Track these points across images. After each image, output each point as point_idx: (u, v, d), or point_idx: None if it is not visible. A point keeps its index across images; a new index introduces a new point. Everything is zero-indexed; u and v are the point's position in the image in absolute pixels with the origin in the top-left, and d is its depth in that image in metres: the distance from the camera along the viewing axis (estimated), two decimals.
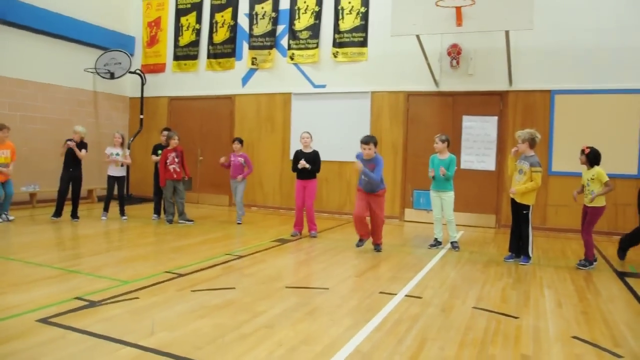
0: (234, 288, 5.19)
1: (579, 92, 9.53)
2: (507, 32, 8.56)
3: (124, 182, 9.74)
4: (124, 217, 9.59)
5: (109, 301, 4.58)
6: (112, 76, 12.18)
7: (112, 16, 13.05)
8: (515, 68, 9.68)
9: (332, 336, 3.91)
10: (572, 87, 9.57)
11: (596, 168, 6.59)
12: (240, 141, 9.60)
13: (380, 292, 5.17)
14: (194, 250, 7.08)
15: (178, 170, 9.27)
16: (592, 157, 6.61)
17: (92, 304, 4.48)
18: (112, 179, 9.55)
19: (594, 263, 6.64)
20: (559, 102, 9.69)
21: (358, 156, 7.16)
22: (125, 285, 5.15)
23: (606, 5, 9.33)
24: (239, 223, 9.44)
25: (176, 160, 9.24)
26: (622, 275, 6.26)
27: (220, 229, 8.91)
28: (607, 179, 6.50)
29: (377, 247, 7.44)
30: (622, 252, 7.29)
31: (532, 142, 6.74)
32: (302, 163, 8.18)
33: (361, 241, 7.46)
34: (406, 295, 5.09)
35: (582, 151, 6.67)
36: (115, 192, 9.59)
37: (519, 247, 6.88)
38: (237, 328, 4.01)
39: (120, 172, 9.61)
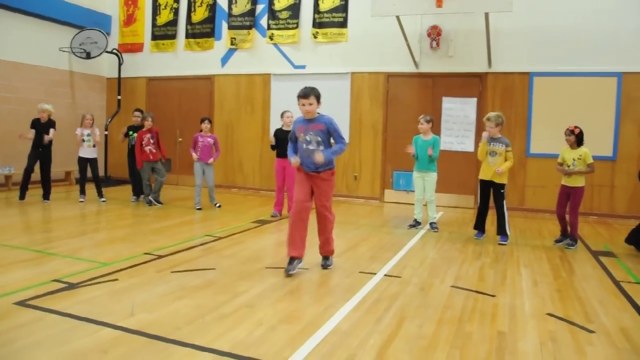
0: (214, 269, 5.19)
1: (557, 74, 9.62)
2: (486, 14, 8.59)
3: (96, 163, 9.47)
4: (103, 199, 9.46)
5: (87, 283, 4.55)
6: (88, 56, 11.94)
7: None
8: (494, 50, 9.72)
9: (311, 315, 3.94)
10: (550, 70, 9.65)
11: (583, 148, 6.71)
12: (210, 121, 9.22)
13: (360, 272, 5.22)
14: (173, 232, 7.04)
15: (154, 151, 9.15)
16: (581, 137, 6.73)
17: (71, 286, 4.45)
18: (83, 161, 9.33)
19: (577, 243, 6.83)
20: (538, 84, 9.77)
21: (297, 122, 5.30)
22: (105, 267, 5.11)
23: None
24: (219, 206, 9.22)
25: (151, 141, 9.12)
26: (596, 255, 6.40)
27: (200, 211, 8.86)
28: (592, 160, 6.64)
29: (327, 261, 5.44)
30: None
31: (501, 125, 6.90)
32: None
33: (291, 264, 5.09)
34: (385, 275, 5.14)
35: (572, 131, 6.74)
36: (90, 174, 9.41)
37: (484, 225, 7.13)
38: (217, 308, 4.02)
39: (91, 153, 9.37)
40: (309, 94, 5.04)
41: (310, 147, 5.10)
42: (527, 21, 9.64)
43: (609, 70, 9.33)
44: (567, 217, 6.84)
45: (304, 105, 5.07)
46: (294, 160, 5.23)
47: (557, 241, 6.97)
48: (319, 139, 5.09)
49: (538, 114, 9.76)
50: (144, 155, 9.09)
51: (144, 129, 9.14)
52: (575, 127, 6.74)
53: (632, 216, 8.86)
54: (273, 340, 3.43)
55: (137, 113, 9.78)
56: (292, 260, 5.10)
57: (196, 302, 4.16)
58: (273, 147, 8.46)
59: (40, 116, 8.97)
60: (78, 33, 12.02)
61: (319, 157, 5.00)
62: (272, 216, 8.45)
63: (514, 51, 9.84)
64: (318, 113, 5.17)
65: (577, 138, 6.72)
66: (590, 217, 9.27)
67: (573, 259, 6.15)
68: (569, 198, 6.78)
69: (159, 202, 9.29)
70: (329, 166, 5.18)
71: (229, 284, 4.68)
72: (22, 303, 3.99)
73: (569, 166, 6.77)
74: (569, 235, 6.82)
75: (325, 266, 5.37)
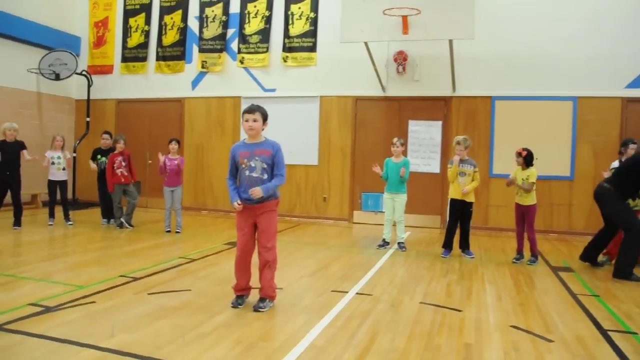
0: (190, 290, 5.29)
1: (518, 98, 10.11)
2: (450, 41, 8.99)
3: (66, 186, 9.40)
4: (69, 222, 9.38)
5: (65, 306, 4.60)
6: (57, 77, 11.92)
7: (57, 15, 12.73)
8: (458, 75, 10.14)
9: (287, 333, 4.09)
10: (511, 94, 10.13)
11: (531, 169, 7.14)
12: (177, 142, 9.06)
13: (332, 291, 5.40)
14: (147, 254, 7.10)
15: (126, 174, 9.18)
16: (529, 159, 7.15)
17: (48, 309, 4.48)
18: (53, 184, 9.24)
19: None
20: (499, 107, 10.23)
21: (238, 147, 4.73)
22: (81, 290, 5.15)
23: (541, 18, 9.92)
24: (177, 232, 8.92)
25: (123, 164, 9.16)
26: (555, 270, 6.73)
27: (171, 234, 8.88)
28: (534, 180, 7.11)
29: (261, 303, 4.69)
30: (593, 261, 7.09)
31: (469, 147, 7.41)
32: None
33: (240, 297, 4.81)
34: (357, 293, 5.33)
35: (519, 153, 7.19)
36: (58, 196, 9.32)
37: (452, 243, 7.51)
38: (195, 328, 4.13)
39: (62, 176, 9.28)
40: (254, 109, 4.59)
41: (254, 174, 4.58)
42: (489, 48, 10.11)
43: (565, 94, 9.86)
44: (525, 234, 7.25)
45: (247, 121, 4.55)
46: (236, 204, 4.59)
47: (516, 259, 7.28)
48: (265, 165, 4.60)
49: (500, 136, 10.20)
50: (116, 178, 9.11)
51: (115, 152, 9.17)
52: (524, 149, 7.19)
53: (589, 233, 9.18)
54: (252, 358, 3.57)
55: (106, 136, 9.77)
56: (240, 294, 4.83)
57: (175, 322, 4.26)
58: None
59: (7, 135, 8.71)
60: (47, 54, 12.00)
61: (257, 192, 4.47)
62: None
63: (477, 76, 10.28)
64: (264, 137, 4.75)
65: (524, 159, 7.16)
66: (550, 234, 9.67)
67: (534, 275, 6.46)
68: (524, 217, 7.20)
69: (130, 225, 9.29)
70: (274, 196, 4.74)
71: (206, 304, 4.78)
72: None
73: (519, 185, 7.19)
74: (521, 254, 7.25)
75: (256, 308, 4.62)
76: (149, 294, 5.10)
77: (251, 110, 4.60)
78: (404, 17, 8.35)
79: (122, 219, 9.23)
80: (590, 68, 9.74)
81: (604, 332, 4.28)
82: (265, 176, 4.62)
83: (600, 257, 7.12)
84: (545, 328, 4.35)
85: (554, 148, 9.61)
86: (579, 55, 9.77)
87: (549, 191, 9.78)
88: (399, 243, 7.96)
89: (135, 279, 5.69)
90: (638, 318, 4.73)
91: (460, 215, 7.39)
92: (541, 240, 9.01)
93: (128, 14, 12.93)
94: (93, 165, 9.57)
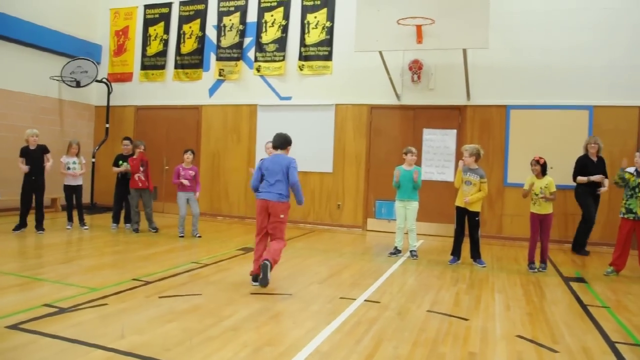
0: (201, 294, 5.37)
1: (533, 107, 10.06)
2: (464, 50, 9.00)
3: (81, 190, 9.60)
4: (85, 227, 9.56)
5: (78, 307, 4.71)
6: (78, 84, 12.19)
7: (80, 24, 13.05)
8: (472, 84, 10.13)
9: (294, 338, 4.15)
10: (526, 103, 10.09)
11: (548, 177, 7.12)
12: (192, 152, 9.33)
13: (341, 298, 5.44)
14: (160, 259, 7.21)
15: (143, 179, 9.37)
16: (545, 167, 7.16)
17: (62, 311, 4.60)
18: (69, 189, 9.45)
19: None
20: (514, 116, 10.19)
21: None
22: (94, 292, 5.27)
23: (556, 27, 9.89)
24: (199, 236, 9.15)
25: (141, 169, 9.35)
26: (567, 280, 6.68)
27: (185, 238, 9.02)
28: (555, 189, 7.09)
29: (264, 276, 5.61)
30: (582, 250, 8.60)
31: (477, 156, 7.36)
32: None
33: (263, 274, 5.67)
34: (365, 300, 5.36)
35: (537, 161, 7.15)
36: (74, 201, 9.53)
37: (460, 250, 7.55)
38: (204, 331, 4.21)
39: (77, 181, 9.49)
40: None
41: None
42: (504, 57, 10.09)
43: (581, 103, 9.79)
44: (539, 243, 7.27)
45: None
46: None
47: (536, 268, 7.25)
48: None
49: (515, 145, 10.15)
50: (133, 182, 9.30)
51: (134, 157, 9.34)
52: (540, 157, 7.17)
53: (605, 243, 9.20)
54: None
55: (126, 142, 9.96)
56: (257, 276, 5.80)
57: (184, 325, 4.35)
58: None
59: (30, 142, 8.90)
60: (69, 62, 12.29)
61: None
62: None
63: (492, 85, 10.27)
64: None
65: (542, 167, 7.12)
66: (565, 244, 9.57)
67: (545, 285, 6.42)
68: (541, 225, 7.16)
69: (156, 228, 9.55)
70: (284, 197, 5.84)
71: (215, 309, 4.87)
72: (14, 327, 4.14)
73: (536, 194, 7.15)
74: (533, 262, 7.29)
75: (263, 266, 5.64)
76: (160, 297, 5.20)
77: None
78: (418, 27, 8.40)
79: (149, 228, 9.49)
80: (606, 77, 9.66)
81: (611, 344, 4.25)
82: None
83: (607, 269, 7.16)
84: (551, 339, 4.34)
85: (569, 157, 9.49)
86: (595, 64, 9.71)
87: (564, 201, 9.68)
88: (411, 251, 7.97)
89: (148, 282, 5.80)
90: None
91: (465, 224, 7.44)
92: (555, 250, 8.99)
93: (148, 23, 13.18)
94: (116, 169, 9.69)
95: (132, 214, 9.51)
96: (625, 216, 7.01)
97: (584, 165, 8.89)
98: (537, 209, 7.18)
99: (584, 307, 5.42)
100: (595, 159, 8.89)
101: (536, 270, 7.17)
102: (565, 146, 9.69)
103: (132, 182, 9.31)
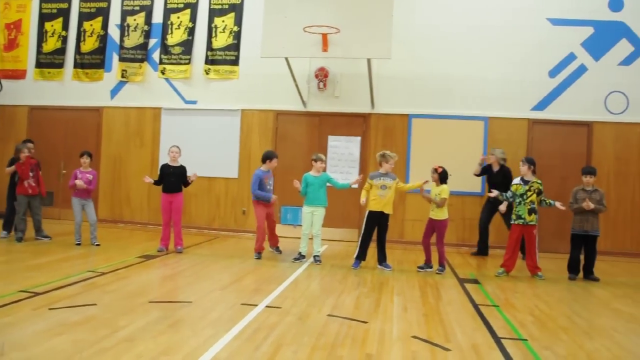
0: (95, 304, 5.09)
1: (433, 116, 10.52)
2: (369, 60, 9.25)
3: None
4: None
5: None
6: None
7: None
8: (377, 92, 10.43)
9: (191, 346, 4.03)
10: (427, 112, 10.53)
11: (444, 186, 7.44)
12: (89, 155, 8.88)
13: (242, 304, 5.36)
14: (53, 268, 6.77)
15: (33, 184, 8.73)
16: (444, 176, 7.49)
17: None
18: None
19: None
20: (416, 125, 10.61)
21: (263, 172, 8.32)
22: None
23: (456, 42, 10.42)
24: (97, 244, 8.66)
25: (31, 174, 8.70)
26: (462, 282, 7.02)
27: (83, 246, 8.53)
28: (446, 196, 7.46)
29: (278, 249, 8.69)
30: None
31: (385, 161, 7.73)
32: None
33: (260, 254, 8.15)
34: (267, 306, 5.32)
35: (435, 170, 7.52)
36: None
37: (366, 254, 7.81)
38: (96, 343, 3.98)
39: None
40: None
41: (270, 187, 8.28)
42: (407, 68, 10.48)
43: (477, 114, 10.38)
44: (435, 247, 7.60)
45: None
46: (274, 198, 8.32)
47: (420, 268, 7.69)
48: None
49: (416, 153, 10.56)
50: (22, 189, 8.64)
51: (20, 162, 8.66)
52: (439, 166, 7.53)
53: (499, 246, 9.74)
54: None
55: (29, 145, 9.23)
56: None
57: (75, 337, 4.09)
58: (156, 183, 8.47)
59: None
60: None
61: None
62: (158, 251, 8.34)
63: (395, 94, 10.63)
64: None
65: (440, 176, 7.50)
66: (462, 248, 10.06)
67: (442, 286, 6.70)
68: (434, 230, 7.53)
69: (47, 237, 8.93)
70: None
71: (111, 319, 4.63)
72: None
73: (430, 200, 7.56)
74: (428, 264, 7.64)
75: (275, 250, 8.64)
76: (50, 309, 4.87)
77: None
78: (324, 35, 8.52)
79: (36, 237, 8.83)
80: (500, 90, 10.33)
81: (497, 340, 4.50)
82: None
83: (498, 269, 7.64)
84: (444, 337, 4.52)
85: (467, 165, 10.01)
86: (490, 77, 10.34)
87: (462, 206, 10.21)
88: (314, 256, 8.03)
89: (37, 294, 5.41)
90: (530, 326, 5.02)
91: (377, 228, 7.63)
92: (453, 253, 9.41)
93: (44, 17, 12.38)
94: (9, 169, 8.89)
95: (18, 222, 8.77)
96: (516, 222, 7.53)
97: (486, 174, 9.63)
98: (432, 214, 7.57)
99: (475, 306, 5.71)
100: (496, 168, 9.38)
101: (423, 270, 7.58)
102: (463, 154, 10.20)
103: (20, 188, 8.62)
